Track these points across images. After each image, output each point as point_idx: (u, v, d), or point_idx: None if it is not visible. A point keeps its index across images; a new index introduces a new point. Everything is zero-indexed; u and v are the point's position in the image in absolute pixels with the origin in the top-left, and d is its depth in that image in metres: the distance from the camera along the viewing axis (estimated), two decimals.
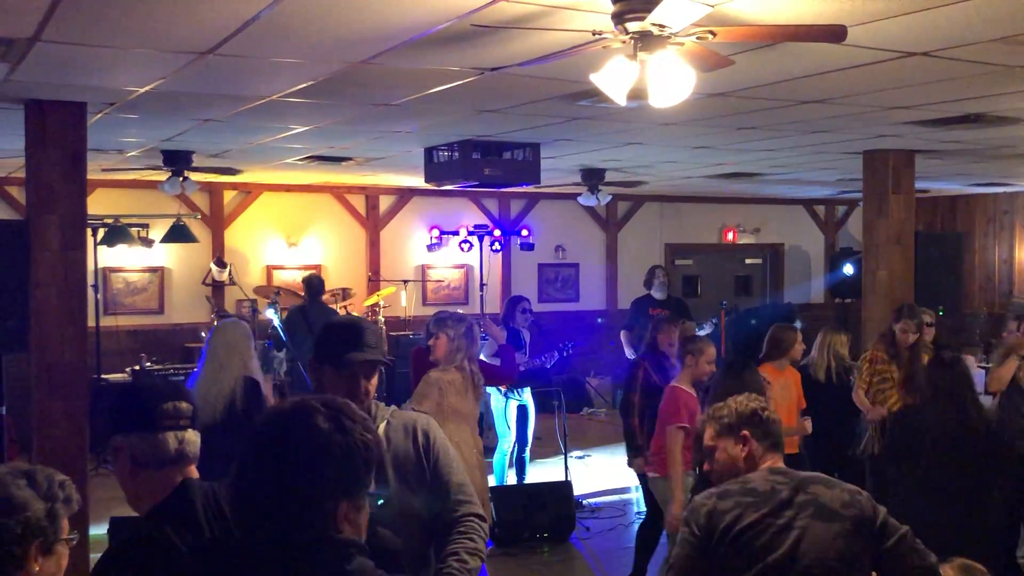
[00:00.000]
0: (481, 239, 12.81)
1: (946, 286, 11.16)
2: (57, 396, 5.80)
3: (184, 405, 2.39)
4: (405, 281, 12.60)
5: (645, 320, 9.63)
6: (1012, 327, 7.25)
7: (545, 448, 9.50)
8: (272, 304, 10.03)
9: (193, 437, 2.40)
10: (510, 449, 8.18)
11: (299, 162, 9.49)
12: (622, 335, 10.16)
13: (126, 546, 2.31)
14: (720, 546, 3.03)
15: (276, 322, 8.88)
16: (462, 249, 13.02)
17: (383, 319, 11.78)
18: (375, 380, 2.97)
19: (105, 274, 11.23)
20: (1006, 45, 4.56)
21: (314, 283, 10.10)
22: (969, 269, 14.38)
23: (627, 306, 14.03)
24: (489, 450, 8.45)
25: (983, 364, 11.55)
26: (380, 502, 2.88)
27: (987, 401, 6.75)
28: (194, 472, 2.41)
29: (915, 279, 8.76)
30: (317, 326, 8.52)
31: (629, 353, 9.71)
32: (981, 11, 3.98)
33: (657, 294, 10.22)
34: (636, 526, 7.53)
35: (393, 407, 3.14)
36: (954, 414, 4.68)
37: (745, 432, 3.17)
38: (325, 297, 11.35)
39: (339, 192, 12.66)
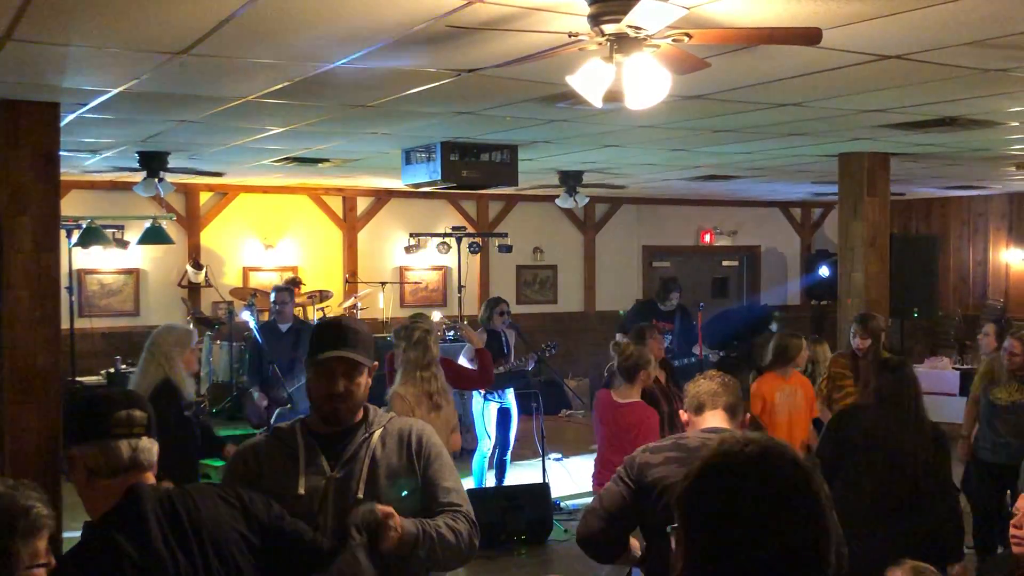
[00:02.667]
0: (459, 241, 12.78)
1: (921, 288, 11.24)
2: (29, 400, 5.74)
3: (138, 413, 2.37)
4: (383, 283, 12.57)
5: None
6: (989, 330, 7.32)
7: (523, 450, 9.49)
8: (249, 306, 9.96)
9: (148, 445, 2.38)
10: (489, 451, 8.16)
11: (276, 164, 9.45)
12: (618, 337, 9.98)
13: (74, 554, 2.27)
14: (647, 502, 3.22)
15: (252, 324, 8.81)
16: (440, 251, 12.99)
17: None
18: (360, 380, 2.89)
19: (80, 276, 11.13)
20: (980, 48, 4.59)
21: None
22: (944, 271, 14.48)
23: (605, 307, 14.09)
24: (469, 452, 8.45)
25: (957, 366, 11.67)
26: (404, 493, 2.85)
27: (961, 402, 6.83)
28: (150, 479, 2.39)
29: (890, 281, 8.82)
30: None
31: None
32: (955, 15, 4.01)
33: (666, 307, 10.01)
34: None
35: (392, 414, 3.10)
36: (895, 418, 4.68)
37: (683, 408, 3.56)
38: (301, 299, 11.33)
39: (316, 193, 12.61)
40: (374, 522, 2.59)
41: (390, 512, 2.64)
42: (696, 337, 9.97)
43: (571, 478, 9.21)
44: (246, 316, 9.70)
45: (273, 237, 12.42)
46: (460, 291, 12.62)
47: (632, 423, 5.50)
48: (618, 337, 9.97)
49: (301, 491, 2.79)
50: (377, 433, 2.93)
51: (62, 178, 6.13)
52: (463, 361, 7.37)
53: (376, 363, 2.99)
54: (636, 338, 6.44)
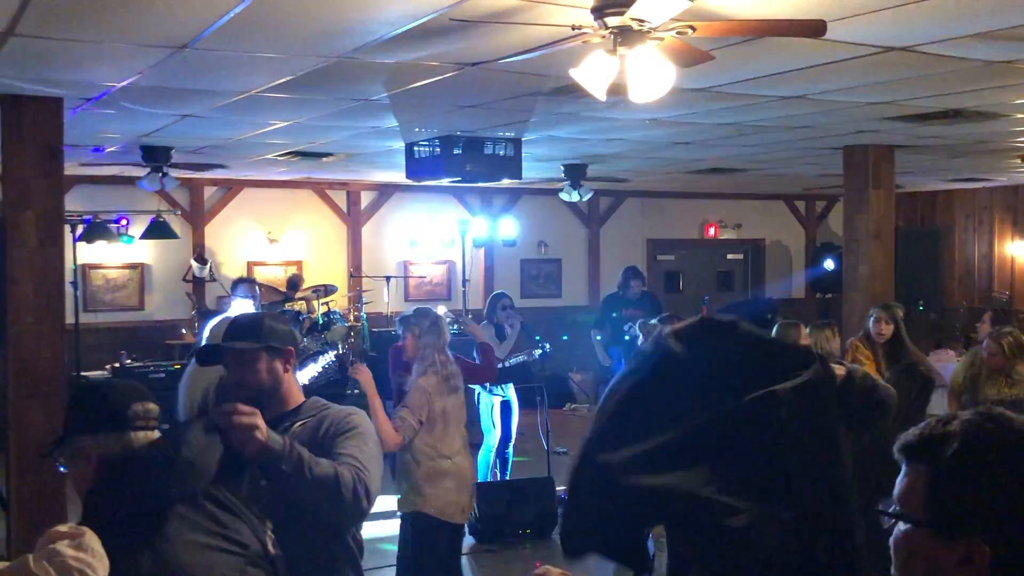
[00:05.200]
0: (463, 235, 12.78)
1: (926, 281, 11.25)
2: (35, 395, 5.75)
3: (152, 406, 2.38)
4: (387, 277, 12.56)
5: (617, 319, 9.59)
6: (987, 318, 7.33)
7: (528, 444, 9.49)
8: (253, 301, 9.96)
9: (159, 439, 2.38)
10: (495, 445, 8.16)
11: (279, 158, 9.44)
12: (592, 334, 9.97)
13: None
14: None
15: None
16: (444, 245, 12.99)
17: (365, 315, 11.75)
18: (257, 367, 2.87)
19: (84, 271, 11.15)
20: (985, 40, 4.57)
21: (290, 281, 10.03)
22: (949, 264, 14.47)
23: None
24: (474, 446, 8.45)
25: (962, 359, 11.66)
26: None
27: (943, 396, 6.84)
28: None
29: (895, 274, 8.80)
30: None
31: (601, 355, 9.60)
32: (960, 6, 3.99)
33: (632, 295, 10.04)
34: None
35: (331, 405, 2.99)
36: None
37: None
38: (306, 293, 11.34)
39: (320, 188, 12.61)
40: (224, 419, 2.47)
41: (238, 409, 2.52)
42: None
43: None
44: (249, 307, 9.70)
45: (277, 231, 12.42)
46: (464, 285, 12.62)
47: None
48: (593, 334, 9.95)
49: None
50: (302, 422, 2.90)
51: (65, 173, 6.13)
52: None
53: (290, 348, 2.94)
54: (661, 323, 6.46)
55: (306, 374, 7.65)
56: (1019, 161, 10.25)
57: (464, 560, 6.91)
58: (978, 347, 6.60)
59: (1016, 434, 1.44)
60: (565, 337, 8.76)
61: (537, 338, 8.62)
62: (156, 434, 2.37)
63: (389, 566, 5.62)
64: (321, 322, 10.97)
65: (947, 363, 11.35)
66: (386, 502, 5.11)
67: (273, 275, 12.12)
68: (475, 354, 6.42)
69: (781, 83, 5.68)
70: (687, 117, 7.02)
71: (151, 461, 2.22)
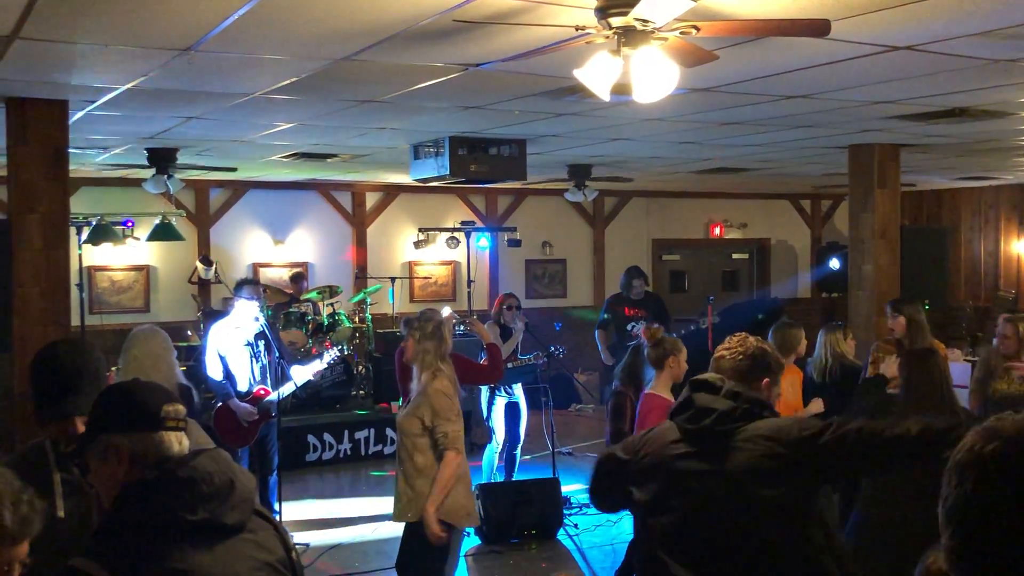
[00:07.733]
0: (468, 235, 12.78)
1: (932, 280, 11.16)
2: None
3: (181, 407, 2.39)
4: (392, 278, 12.56)
5: (620, 319, 9.57)
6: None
7: (533, 444, 9.49)
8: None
9: (186, 440, 2.39)
10: (500, 447, 8.16)
11: (284, 159, 9.45)
12: (596, 334, 9.97)
13: None
14: None
15: (262, 320, 8.82)
16: (449, 246, 13.01)
17: (370, 316, 11.75)
18: None
19: (90, 273, 11.17)
20: (989, 39, 4.56)
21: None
22: (955, 263, 14.43)
23: None
24: (480, 446, 8.45)
25: (969, 358, 11.61)
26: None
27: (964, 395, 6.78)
28: None
29: (901, 273, 8.78)
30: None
31: (605, 355, 9.60)
32: (964, 5, 3.99)
33: (635, 295, 9.98)
34: (623, 523, 7.53)
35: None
36: (928, 408, 4.62)
37: None
38: (312, 295, 11.34)
39: (325, 189, 12.63)
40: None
41: None
42: (668, 322, 9.80)
43: (581, 472, 9.20)
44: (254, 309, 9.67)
45: (282, 233, 12.44)
46: (469, 286, 12.62)
47: (641, 415, 5.45)
48: (597, 335, 9.94)
49: (61, 513, 2.64)
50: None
51: (71, 175, 6.14)
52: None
53: (112, 371, 2.88)
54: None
55: (310, 370, 7.64)
56: None
57: (470, 561, 6.92)
58: (993, 344, 6.52)
59: None
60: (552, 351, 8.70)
61: (551, 348, 8.60)
62: (184, 437, 2.38)
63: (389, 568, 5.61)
64: (327, 323, 10.98)
65: (954, 362, 11.31)
66: (388, 505, 5.11)
67: (279, 276, 12.14)
68: (482, 355, 6.42)
69: (785, 82, 5.67)
70: (691, 117, 7.02)
71: (202, 486, 2.22)
